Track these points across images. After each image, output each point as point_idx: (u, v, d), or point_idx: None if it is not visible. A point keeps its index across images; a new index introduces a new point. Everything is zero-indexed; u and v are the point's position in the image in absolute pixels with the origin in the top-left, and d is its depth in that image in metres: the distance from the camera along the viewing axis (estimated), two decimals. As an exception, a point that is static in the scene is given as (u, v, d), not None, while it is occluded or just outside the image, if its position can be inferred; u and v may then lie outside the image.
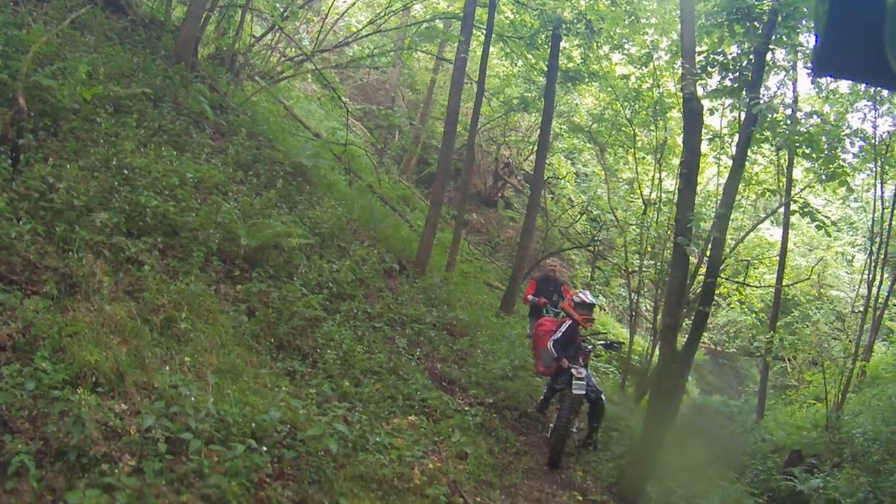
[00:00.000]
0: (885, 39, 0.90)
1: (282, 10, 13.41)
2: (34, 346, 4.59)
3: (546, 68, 15.65)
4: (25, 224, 5.73)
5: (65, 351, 4.62)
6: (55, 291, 5.19)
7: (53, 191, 6.29)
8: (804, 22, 8.18)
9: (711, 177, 18.21)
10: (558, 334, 8.58)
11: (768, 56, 8.91)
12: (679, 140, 12.55)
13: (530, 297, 10.58)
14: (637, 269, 16.75)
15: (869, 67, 0.97)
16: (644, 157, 17.20)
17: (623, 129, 16.63)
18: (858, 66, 0.99)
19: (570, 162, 25.08)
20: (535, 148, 18.47)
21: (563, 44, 15.51)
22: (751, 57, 8.62)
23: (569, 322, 8.64)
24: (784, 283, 16.58)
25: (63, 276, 5.44)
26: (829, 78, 12.35)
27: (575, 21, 14.53)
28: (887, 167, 15.03)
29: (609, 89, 16.49)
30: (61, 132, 7.35)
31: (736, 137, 10.57)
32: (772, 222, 20.30)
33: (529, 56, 16.52)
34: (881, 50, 0.91)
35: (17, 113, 6.69)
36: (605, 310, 20.39)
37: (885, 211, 15.07)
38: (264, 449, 4.79)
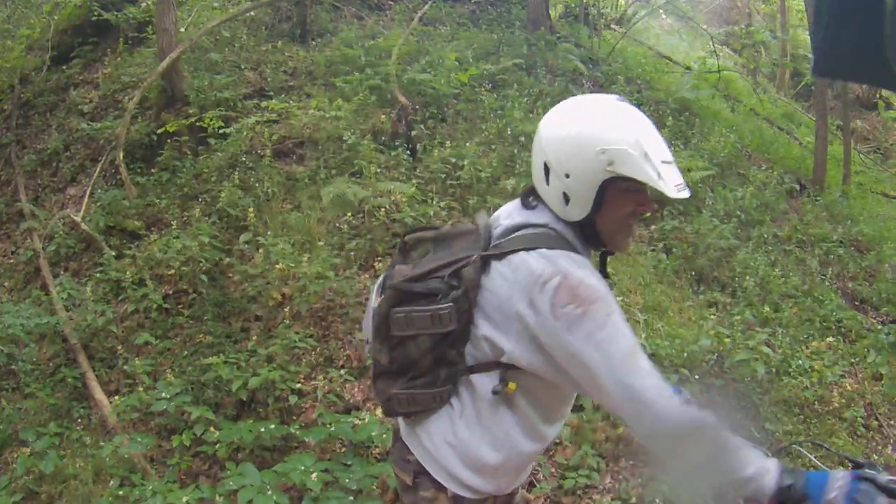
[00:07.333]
0: (885, 40, 0.86)
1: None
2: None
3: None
4: (437, 203, 6.63)
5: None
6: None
7: (458, 169, 7.07)
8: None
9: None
10: None
11: None
12: None
13: None
14: None
15: (869, 68, 0.93)
16: None
17: None
18: (859, 68, 0.95)
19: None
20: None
21: None
22: None
23: None
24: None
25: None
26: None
27: None
28: None
29: None
30: (448, 117, 8.29)
31: None
32: None
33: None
34: (881, 51, 0.87)
35: (401, 109, 7.78)
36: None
37: None
38: (696, 377, 5.14)
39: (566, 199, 1.93)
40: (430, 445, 2.13)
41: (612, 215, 1.94)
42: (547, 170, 1.96)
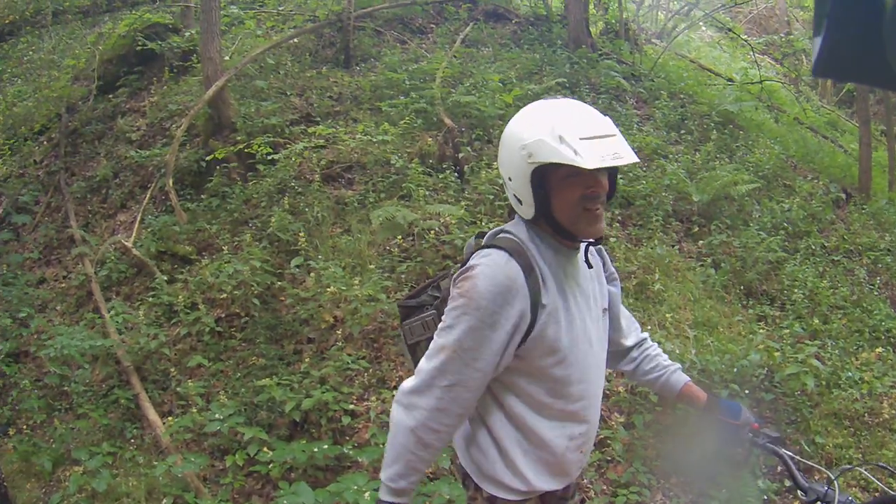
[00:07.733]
0: (885, 41, 0.85)
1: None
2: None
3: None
4: (487, 225, 6.54)
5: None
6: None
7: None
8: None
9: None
10: None
11: None
12: None
13: None
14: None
15: (869, 69, 0.91)
16: None
17: None
18: (859, 68, 0.94)
19: None
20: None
21: None
22: None
23: None
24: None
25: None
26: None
27: None
28: None
29: None
30: (495, 138, 8.04)
31: None
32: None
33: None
34: (881, 51, 0.85)
35: (447, 132, 8.04)
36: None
37: None
38: (746, 392, 5.23)
39: (518, 200, 2.15)
40: (461, 446, 2.37)
41: (563, 204, 2.07)
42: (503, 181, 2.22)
